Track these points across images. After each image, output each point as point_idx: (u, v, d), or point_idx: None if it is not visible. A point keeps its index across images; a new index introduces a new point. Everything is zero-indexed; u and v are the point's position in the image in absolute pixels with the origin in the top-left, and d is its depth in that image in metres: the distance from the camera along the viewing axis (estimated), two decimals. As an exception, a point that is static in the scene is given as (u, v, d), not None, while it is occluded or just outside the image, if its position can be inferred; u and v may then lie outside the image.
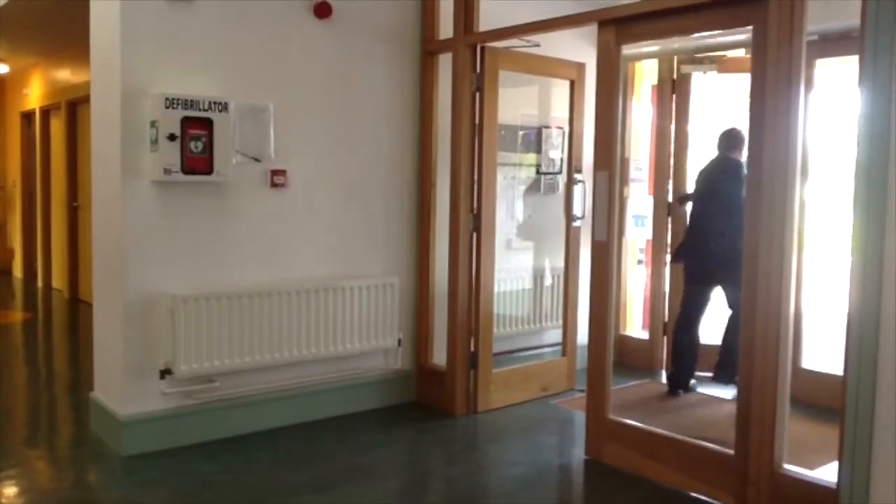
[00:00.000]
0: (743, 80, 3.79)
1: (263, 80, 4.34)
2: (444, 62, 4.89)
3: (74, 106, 8.83)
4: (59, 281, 9.57)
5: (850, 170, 3.01)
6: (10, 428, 4.71)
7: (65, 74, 9.06)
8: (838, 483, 3.06)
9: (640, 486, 3.77)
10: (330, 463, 4.01)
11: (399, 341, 4.88)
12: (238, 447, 4.17)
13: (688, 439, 3.77)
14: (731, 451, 3.48)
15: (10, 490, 3.68)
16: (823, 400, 4.46)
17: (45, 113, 9.85)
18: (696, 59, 5.81)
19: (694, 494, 3.63)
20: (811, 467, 3.41)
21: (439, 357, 4.99)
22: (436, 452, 4.33)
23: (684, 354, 5.32)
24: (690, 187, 5.88)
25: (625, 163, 5.85)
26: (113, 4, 3.95)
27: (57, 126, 9.47)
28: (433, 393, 4.95)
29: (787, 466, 3.32)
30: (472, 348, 4.84)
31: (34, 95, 10.10)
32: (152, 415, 4.08)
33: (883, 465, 2.94)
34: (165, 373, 4.05)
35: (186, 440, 4.14)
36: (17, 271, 10.87)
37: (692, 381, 5.36)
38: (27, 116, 10.54)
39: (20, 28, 7.86)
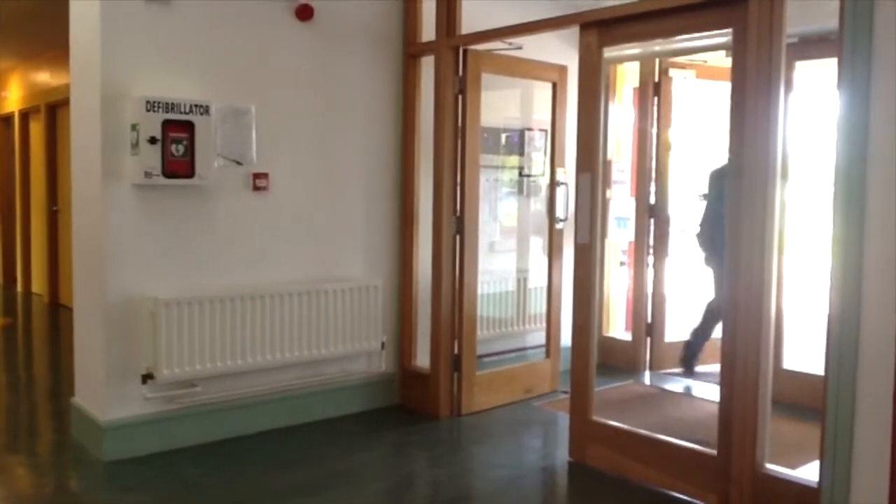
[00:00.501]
0: (724, 84, 3.82)
1: (245, 83, 4.33)
2: (427, 65, 4.89)
3: (54, 109, 8.76)
4: (38, 285, 9.48)
5: (830, 171, 3.04)
6: (-11, 434, 4.67)
7: (44, 77, 8.99)
8: (820, 482, 3.09)
9: (624, 487, 3.78)
10: (314, 467, 3.99)
11: (382, 344, 4.87)
12: (222, 452, 4.14)
13: (670, 440, 3.78)
14: (714, 452, 3.50)
15: (-10, 497, 3.64)
16: (805, 400, 4.49)
17: (25, 116, 9.77)
18: (676, 64, 5.86)
19: (677, 495, 3.64)
20: (793, 467, 3.43)
21: (423, 360, 4.98)
22: (420, 455, 4.32)
23: (698, 334, 5.69)
24: (672, 189, 5.94)
25: (607, 165, 5.87)
26: (93, 6, 3.93)
27: (36, 129, 9.39)
28: (417, 396, 4.95)
29: (769, 466, 3.34)
30: (456, 351, 4.84)
31: (13, 98, 10.01)
32: (134, 420, 4.05)
33: (864, 464, 2.96)
34: (147, 377, 4.02)
35: (169, 445, 4.12)
36: (-4, 276, 10.77)
37: (688, 385, 5.44)
38: (6, 120, 10.43)
39: (-1, 30, 7.79)
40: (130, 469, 3.90)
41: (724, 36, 4.92)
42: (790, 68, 4.83)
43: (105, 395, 4.00)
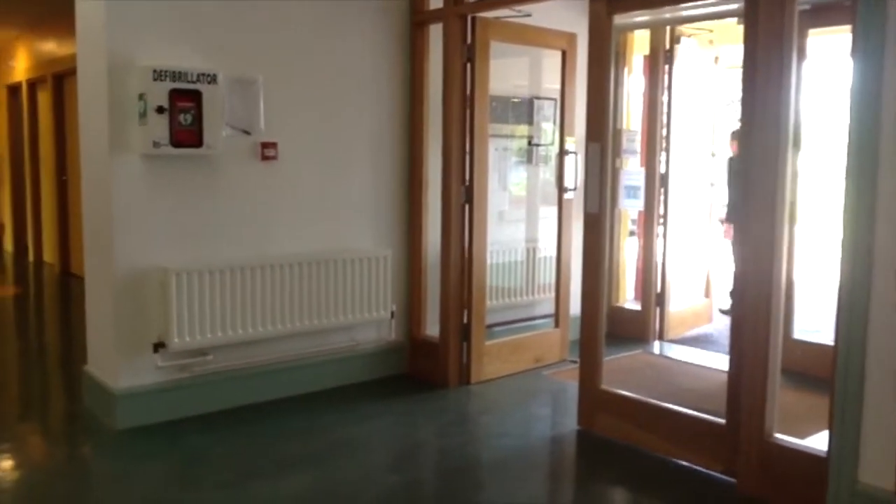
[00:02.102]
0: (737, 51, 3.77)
1: (252, 52, 4.30)
2: (435, 33, 4.85)
3: (61, 78, 8.73)
4: (49, 255, 9.53)
5: (843, 141, 3.01)
6: (3, 403, 4.71)
7: (51, 46, 8.95)
8: (828, 451, 3.10)
9: (632, 456, 3.80)
10: (323, 435, 4.03)
11: (392, 313, 4.88)
12: (232, 420, 4.18)
13: (679, 409, 3.79)
14: (723, 421, 3.51)
15: (5, 464, 3.69)
16: (814, 370, 4.50)
17: (32, 86, 9.74)
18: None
19: (685, 464, 3.66)
20: (801, 436, 3.44)
21: (432, 329, 5.00)
22: (428, 424, 4.35)
23: None
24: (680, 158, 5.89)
25: (617, 134, 5.83)
26: (98, -25, 3.89)
27: (44, 99, 9.38)
28: (426, 365, 4.97)
29: (777, 435, 3.35)
30: (465, 320, 4.86)
31: (20, 68, 9.99)
32: (146, 388, 4.08)
33: (872, 434, 2.97)
34: (159, 346, 4.05)
35: (180, 413, 4.15)
36: (8, 245, 10.82)
37: None
38: (13, 90, 10.42)
39: (3, -1, 7.74)
40: (142, 437, 3.94)
41: (735, 2, 4.86)
42: (803, 36, 4.77)
43: (117, 363, 4.04)
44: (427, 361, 4.96)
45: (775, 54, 3.22)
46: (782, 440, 3.33)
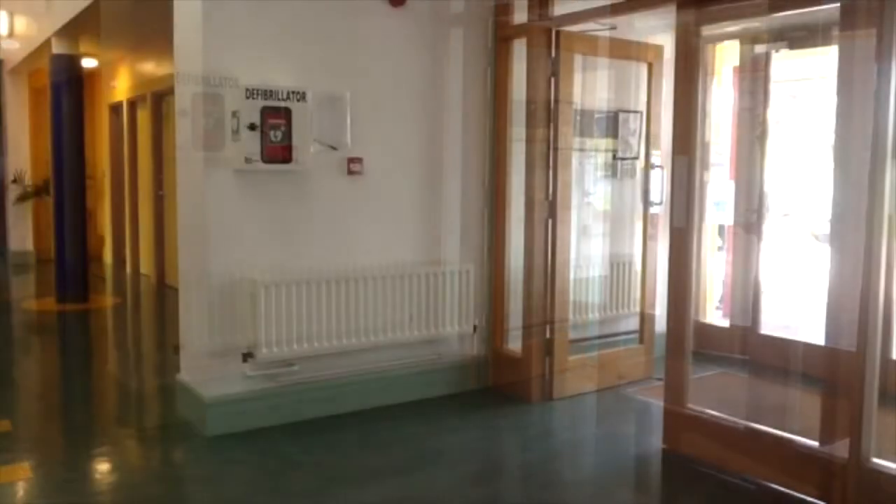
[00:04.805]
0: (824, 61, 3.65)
1: (340, 70, 4.39)
2: (519, 47, 4.86)
3: (159, 97, 9.09)
4: (146, 266, 9.89)
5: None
6: (101, 408, 4.92)
7: (150, 67, 9.33)
8: (930, 478, 2.95)
9: (721, 478, 3.70)
10: (406, 447, 4.05)
11: (475, 327, 4.89)
12: (317, 429, 4.25)
13: (769, 430, 3.67)
14: (816, 443, 3.38)
15: (103, 466, 3.85)
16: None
17: (132, 105, 10.16)
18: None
19: (776, 487, 3.54)
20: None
21: (513, 343, 4.98)
22: (511, 439, 4.33)
23: None
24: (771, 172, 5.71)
25: (705, 147, 5.70)
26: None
27: (143, 117, 9.77)
28: (508, 379, 4.95)
29: (875, 460, 3.21)
30: (548, 335, 4.82)
31: (121, 88, 10.43)
32: (235, 397, 4.20)
33: (979, 461, 2.82)
34: (248, 356, 4.16)
35: (268, 422, 4.25)
36: (107, 257, 11.29)
37: None
38: (115, 108, 10.89)
39: (109, 22, 8.10)
40: (232, 444, 4.05)
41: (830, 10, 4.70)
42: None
43: (208, 372, 4.16)
44: (509, 376, 4.95)
45: (873, 61, 3.11)
46: (881, 465, 3.19)
